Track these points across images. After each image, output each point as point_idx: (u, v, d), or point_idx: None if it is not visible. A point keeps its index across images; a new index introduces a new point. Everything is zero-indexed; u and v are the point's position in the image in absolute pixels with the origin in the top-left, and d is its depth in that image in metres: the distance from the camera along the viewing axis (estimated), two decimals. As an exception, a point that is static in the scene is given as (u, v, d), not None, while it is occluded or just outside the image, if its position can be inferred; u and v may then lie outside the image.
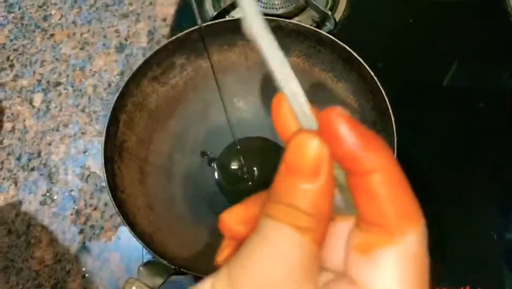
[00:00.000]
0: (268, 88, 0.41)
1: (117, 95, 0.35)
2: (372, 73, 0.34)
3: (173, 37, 0.37)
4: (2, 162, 0.47)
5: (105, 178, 0.33)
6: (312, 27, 0.36)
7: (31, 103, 0.50)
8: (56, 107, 0.50)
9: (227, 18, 0.48)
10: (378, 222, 0.13)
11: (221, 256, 0.17)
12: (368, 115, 0.36)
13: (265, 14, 0.47)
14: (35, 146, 0.48)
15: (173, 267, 0.30)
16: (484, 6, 0.50)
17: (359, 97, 0.37)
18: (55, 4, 0.55)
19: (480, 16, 0.50)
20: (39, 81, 0.51)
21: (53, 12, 0.55)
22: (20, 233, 0.44)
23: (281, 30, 0.37)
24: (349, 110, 0.40)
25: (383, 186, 0.13)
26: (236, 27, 0.38)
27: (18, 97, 0.50)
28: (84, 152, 0.47)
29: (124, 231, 0.43)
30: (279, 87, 0.14)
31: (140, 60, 0.37)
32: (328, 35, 0.35)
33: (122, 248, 0.42)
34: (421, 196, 0.44)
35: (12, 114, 0.49)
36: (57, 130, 0.48)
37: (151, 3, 0.54)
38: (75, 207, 0.44)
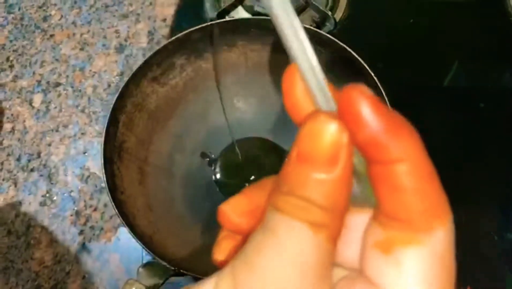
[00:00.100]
0: (268, 89, 0.41)
1: (116, 95, 0.35)
2: (372, 73, 0.34)
3: (173, 38, 0.37)
4: (2, 163, 0.47)
5: (105, 179, 0.32)
6: (312, 27, 0.36)
7: (30, 103, 0.50)
8: (55, 107, 0.50)
9: (227, 18, 0.48)
10: (402, 217, 0.12)
11: (218, 250, 0.16)
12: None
13: (265, 15, 0.47)
14: (34, 147, 0.47)
15: (173, 268, 0.30)
16: (484, 6, 0.50)
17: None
18: (55, 4, 0.55)
19: (480, 16, 0.50)
20: (39, 81, 0.51)
21: (53, 12, 0.55)
22: (19, 234, 0.44)
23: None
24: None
25: (409, 177, 0.11)
26: (236, 27, 0.38)
27: (18, 97, 0.50)
28: (84, 153, 0.47)
29: (124, 232, 0.43)
30: (293, 59, 0.12)
31: (140, 61, 0.37)
32: (328, 35, 0.35)
33: (121, 249, 0.42)
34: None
35: (12, 114, 0.49)
36: (57, 130, 0.48)
37: (151, 4, 0.54)
38: (75, 208, 0.44)
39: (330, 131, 0.12)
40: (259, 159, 0.41)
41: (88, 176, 0.46)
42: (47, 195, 0.45)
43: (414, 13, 0.50)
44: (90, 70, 0.51)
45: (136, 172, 0.37)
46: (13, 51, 0.53)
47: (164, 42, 0.37)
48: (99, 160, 0.33)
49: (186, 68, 0.39)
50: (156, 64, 0.38)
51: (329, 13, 0.47)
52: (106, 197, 0.44)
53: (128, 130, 0.36)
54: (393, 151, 0.11)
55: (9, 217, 0.45)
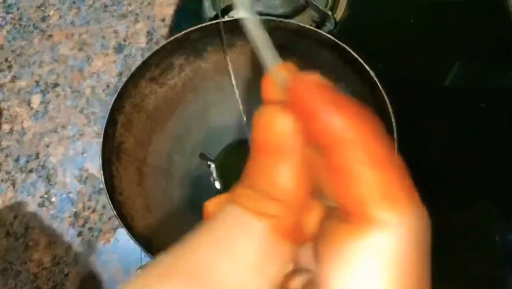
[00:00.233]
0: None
1: (115, 96, 0.35)
2: (372, 74, 0.33)
3: (172, 38, 0.37)
4: (0, 164, 0.47)
5: (103, 180, 0.32)
6: (312, 27, 0.36)
7: (29, 104, 0.50)
8: (54, 108, 0.49)
9: (226, 18, 0.48)
10: (352, 209, 0.11)
11: None
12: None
13: (265, 14, 0.47)
14: (33, 148, 0.47)
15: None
16: (485, 6, 0.50)
17: (359, 98, 0.37)
18: (53, 4, 0.55)
19: (481, 16, 0.50)
20: (37, 82, 0.51)
21: (51, 12, 0.55)
22: (18, 235, 0.44)
23: (281, 30, 0.37)
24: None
25: (359, 164, 0.11)
26: (235, 27, 0.38)
27: (16, 98, 0.50)
28: (82, 154, 0.47)
29: (123, 233, 0.42)
30: (265, 67, 0.14)
31: (138, 61, 0.36)
32: (328, 35, 0.35)
33: (120, 250, 0.42)
34: (422, 197, 0.43)
35: (10, 115, 0.49)
36: (55, 131, 0.48)
37: (149, 4, 0.53)
38: (73, 210, 0.44)
39: (278, 122, 0.12)
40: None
41: (87, 177, 0.45)
42: (46, 196, 0.45)
43: (414, 13, 0.50)
44: (89, 71, 0.51)
45: (134, 173, 0.37)
46: (12, 51, 0.53)
47: (163, 42, 0.37)
48: (98, 161, 0.33)
49: (185, 68, 0.39)
50: (154, 64, 0.37)
51: (329, 13, 0.47)
52: (104, 198, 0.44)
53: (126, 131, 0.36)
54: (341, 137, 0.11)
55: (8, 219, 0.44)
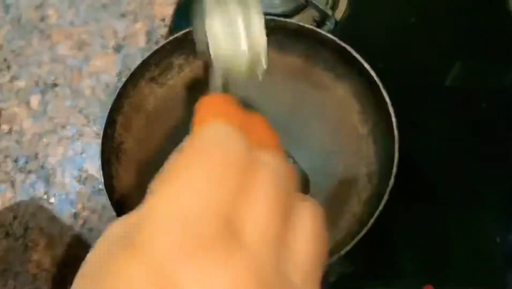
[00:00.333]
0: (268, 88, 0.41)
1: (114, 96, 0.34)
2: (373, 73, 0.33)
3: (171, 37, 0.36)
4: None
5: (103, 180, 0.32)
6: (312, 27, 0.36)
7: (28, 104, 0.50)
8: (53, 108, 0.49)
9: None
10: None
11: None
12: (369, 115, 0.36)
13: (265, 14, 0.47)
14: (32, 148, 0.47)
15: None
16: (486, 6, 0.50)
17: (359, 97, 0.37)
18: (53, 4, 0.55)
19: (482, 16, 0.50)
20: (36, 82, 0.51)
21: (50, 12, 0.54)
22: (17, 236, 0.43)
23: (281, 29, 0.37)
24: (350, 110, 0.39)
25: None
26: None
27: (15, 98, 0.50)
28: (82, 154, 0.47)
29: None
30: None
31: (138, 61, 0.36)
32: (329, 34, 0.35)
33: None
34: (423, 197, 0.43)
35: (9, 116, 0.49)
36: (55, 132, 0.48)
37: (149, 3, 0.53)
38: (73, 210, 0.44)
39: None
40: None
41: (86, 178, 0.45)
42: (45, 197, 0.45)
43: (414, 13, 0.49)
44: (88, 71, 0.51)
45: (134, 174, 0.36)
46: (11, 51, 0.53)
47: (162, 42, 0.36)
48: (97, 162, 0.33)
49: (184, 68, 0.39)
50: (154, 64, 0.37)
51: (330, 12, 0.47)
52: (104, 199, 0.44)
53: (126, 131, 0.36)
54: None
55: (7, 219, 0.44)
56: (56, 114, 0.49)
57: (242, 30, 0.23)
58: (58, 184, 0.45)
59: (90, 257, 0.14)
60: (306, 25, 0.36)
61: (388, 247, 0.40)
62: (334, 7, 0.49)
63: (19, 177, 0.46)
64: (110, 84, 0.50)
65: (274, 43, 0.38)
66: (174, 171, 0.13)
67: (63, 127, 0.48)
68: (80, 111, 0.49)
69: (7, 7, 0.56)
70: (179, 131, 0.40)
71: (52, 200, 0.45)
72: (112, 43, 0.52)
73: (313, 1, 0.47)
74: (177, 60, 0.38)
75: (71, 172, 0.46)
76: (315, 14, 0.48)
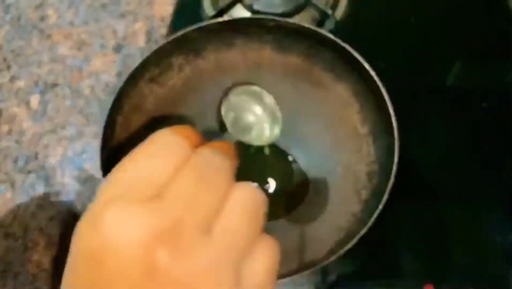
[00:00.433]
0: (268, 88, 0.41)
1: (113, 97, 0.34)
2: (373, 73, 0.33)
3: (171, 37, 0.36)
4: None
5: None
6: (312, 26, 0.35)
7: (28, 104, 0.50)
8: (53, 108, 0.49)
9: (225, 17, 0.47)
10: None
11: None
12: (369, 116, 0.36)
13: (264, 13, 0.47)
14: (32, 149, 0.47)
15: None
16: (487, 5, 0.50)
17: (359, 97, 0.37)
18: (52, 4, 0.55)
19: (483, 15, 0.49)
20: (36, 82, 0.51)
21: (50, 12, 0.54)
22: (17, 236, 0.43)
23: (281, 29, 0.36)
24: (349, 110, 0.39)
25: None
26: (234, 26, 0.37)
27: (15, 98, 0.50)
28: (82, 154, 0.47)
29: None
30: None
31: (138, 61, 0.36)
32: (329, 34, 0.35)
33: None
34: (423, 196, 0.43)
35: (8, 116, 0.49)
36: (54, 132, 0.48)
37: (149, 3, 0.53)
38: (73, 210, 0.44)
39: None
40: (259, 159, 0.41)
41: (86, 178, 0.45)
42: (45, 197, 0.45)
43: (414, 12, 0.49)
44: (88, 71, 0.51)
45: (134, 174, 0.36)
46: (10, 51, 0.53)
47: (162, 41, 0.36)
48: (97, 162, 0.33)
49: (184, 68, 0.39)
50: (154, 64, 0.37)
51: (330, 12, 0.47)
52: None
53: (126, 132, 0.36)
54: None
55: (7, 220, 0.44)
56: (56, 114, 0.49)
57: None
58: (58, 184, 0.45)
59: None
60: (306, 25, 0.35)
61: (389, 246, 0.40)
62: (334, 6, 0.49)
63: (19, 177, 0.46)
64: (110, 84, 0.50)
65: (274, 42, 0.38)
66: (126, 158, 0.18)
67: (63, 127, 0.48)
68: (80, 111, 0.49)
69: (6, 7, 0.55)
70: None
71: (52, 200, 0.45)
72: (111, 43, 0.52)
73: (313, 1, 0.47)
74: (177, 60, 0.38)
75: (71, 172, 0.46)
76: (315, 13, 0.48)
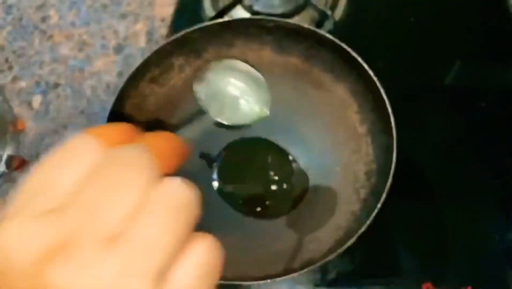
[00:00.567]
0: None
1: (114, 97, 0.35)
2: (372, 73, 0.33)
3: (172, 38, 0.37)
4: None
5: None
6: (311, 27, 0.36)
7: (29, 105, 0.50)
8: (55, 109, 0.49)
9: (226, 18, 0.48)
10: None
11: None
12: (367, 116, 0.36)
13: (264, 14, 0.47)
14: (34, 149, 0.47)
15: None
16: (485, 5, 0.50)
17: (358, 97, 0.37)
18: (53, 5, 0.55)
19: (482, 15, 0.50)
20: (38, 83, 0.51)
21: (51, 13, 0.55)
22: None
23: (281, 30, 0.37)
24: (349, 110, 0.39)
25: None
26: (234, 27, 0.38)
27: (17, 99, 0.50)
28: (83, 154, 0.47)
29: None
30: None
31: (139, 61, 0.37)
32: (328, 35, 0.35)
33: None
34: (422, 195, 0.43)
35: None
36: (56, 132, 0.48)
37: (149, 4, 0.53)
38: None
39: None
40: (258, 159, 0.41)
41: (88, 177, 0.46)
42: (47, 196, 0.45)
43: (414, 12, 0.50)
44: (89, 71, 0.51)
45: (135, 173, 0.37)
46: (12, 52, 0.53)
47: (163, 42, 0.37)
48: (98, 162, 0.33)
49: (184, 69, 0.39)
50: (154, 64, 0.37)
51: (329, 12, 0.47)
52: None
53: (127, 131, 0.36)
54: None
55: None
56: (57, 114, 0.49)
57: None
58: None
59: None
60: (305, 26, 0.36)
61: (387, 245, 0.40)
62: (333, 7, 0.49)
63: (21, 177, 0.46)
64: (111, 84, 0.50)
65: (273, 43, 0.38)
66: (35, 166, 0.17)
67: (65, 127, 0.48)
68: (81, 112, 0.49)
69: (8, 8, 0.56)
70: (180, 130, 0.41)
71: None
72: (112, 43, 0.52)
73: (312, 2, 0.47)
74: (177, 61, 0.39)
75: (72, 172, 0.46)
76: (314, 14, 0.48)
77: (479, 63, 0.48)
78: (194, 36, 0.37)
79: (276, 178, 0.40)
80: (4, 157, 0.33)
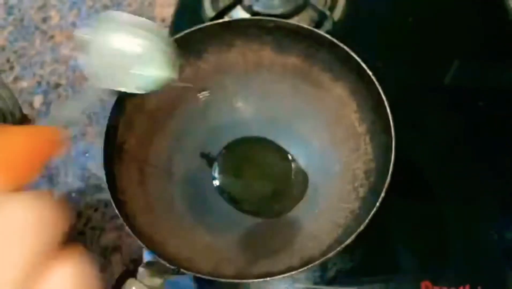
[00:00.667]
0: (267, 88, 0.41)
1: (116, 97, 0.35)
2: (370, 73, 0.34)
3: (172, 38, 0.37)
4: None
5: (105, 179, 0.33)
6: (310, 27, 0.36)
7: (31, 105, 0.50)
8: (56, 109, 0.50)
9: (226, 18, 0.48)
10: None
11: None
12: (366, 115, 0.36)
13: (264, 14, 0.47)
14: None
15: (173, 267, 0.30)
16: (484, 5, 0.50)
17: (357, 96, 0.37)
18: (55, 5, 0.55)
19: (480, 15, 0.50)
20: (39, 83, 0.51)
21: (52, 13, 0.55)
22: (21, 234, 0.44)
23: (280, 30, 0.37)
24: (348, 109, 0.39)
25: None
26: (234, 27, 0.38)
27: (18, 99, 0.50)
28: (85, 154, 0.47)
29: (125, 232, 0.43)
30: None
31: (139, 61, 0.37)
32: (327, 35, 0.35)
33: (123, 249, 0.42)
34: (421, 194, 0.43)
35: (12, 116, 0.50)
36: (57, 132, 0.48)
37: (150, 4, 0.54)
38: (76, 209, 0.45)
39: None
40: (258, 158, 0.42)
41: (89, 177, 0.46)
42: (48, 196, 0.46)
43: (413, 12, 0.50)
44: (90, 71, 0.51)
45: (136, 173, 0.37)
46: (14, 52, 0.53)
47: (163, 43, 0.37)
48: (100, 161, 0.33)
49: (184, 69, 0.39)
50: (155, 65, 0.38)
51: (328, 12, 0.47)
52: (106, 198, 0.44)
53: (128, 131, 0.37)
54: None
55: (11, 218, 0.45)
56: (58, 114, 0.49)
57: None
58: (61, 183, 0.46)
59: None
60: (305, 26, 0.36)
61: (386, 243, 0.40)
62: (332, 7, 0.50)
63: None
64: (112, 85, 0.50)
65: (273, 43, 0.39)
66: None
67: (65, 127, 0.49)
68: (82, 112, 0.49)
69: (9, 9, 0.56)
70: (180, 130, 0.41)
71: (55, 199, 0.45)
72: (113, 44, 0.52)
73: (312, 2, 0.47)
74: (177, 61, 0.39)
75: (74, 172, 0.46)
76: (314, 14, 0.49)
77: (477, 63, 0.48)
78: (194, 36, 0.37)
79: (276, 177, 0.41)
80: None
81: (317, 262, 0.30)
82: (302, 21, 0.48)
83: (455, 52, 0.48)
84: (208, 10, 0.51)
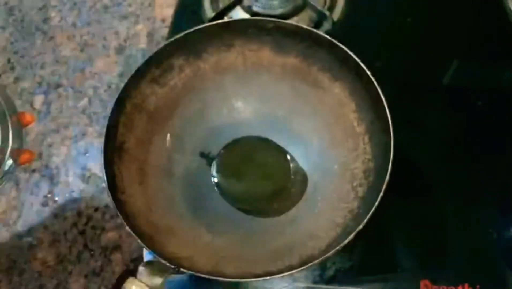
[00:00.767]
0: (267, 88, 0.42)
1: (116, 97, 0.35)
2: (369, 73, 0.34)
3: (172, 39, 0.37)
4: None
5: (106, 179, 0.33)
6: (309, 28, 0.36)
7: (31, 105, 0.50)
8: (56, 109, 0.50)
9: (225, 19, 0.48)
10: None
11: None
12: (365, 115, 0.37)
13: (263, 15, 0.48)
14: (36, 148, 0.48)
15: (173, 266, 0.30)
16: (483, 5, 0.50)
17: (356, 96, 0.37)
18: (55, 6, 0.56)
19: (479, 15, 0.50)
20: (40, 83, 0.51)
21: (53, 14, 0.55)
22: (22, 234, 0.44)
23: (279, 30, 0.37)
24: (346, 109, 0.39)
25: None
26: (234, 27, 0.38)
27: (19, 99, 0.51)
28: (85, 154, 0.47)
29: (125, 231, 0.43)
30: None
31: (139, 62, 0.37)
32: (326, 35, 0.35)
33: (123, 248, 0.43)
34: (420, 193, 0.44)
35: (13, 116, 0.50)
36: (58, 132, 0.49)
37: (150, 5, 0.54)
38: (77, 208, 0.45)
39: None
40: (258, 158, 0.42)
41: (89, 177, 0.46)
42: (49, 195, 0.46)
43: (412, 12, 0.50)
44: (91, 72, 0.51)
45: (136, 173, 0.37)
46: (14, 52, 0.53)
47: (163, 43, 0.37)
48: (100, 161, 0.33)
49: (184, 69, 0.40)
50: (155, 65, 0.38)
51: (327, 13, 0.47)
52: (107, 197, 0.44)
53: (128, 131, 0.37)
54: None
55: (12, 218, 0.45)
56: (59, 114, 0.50)
57: None
58: (62, 183, 0.46)
59: None
60: (304, 26, 0.36)
61: (385, 242, 0.40)
62: (331, 7, 0.50)
63: (23, 176, 0.47)
64: (112, 85, 0.50)
65: (272, 43, 0.39)
66: None
67: (66, 127, 0.49)
68: (83, 111, 0.49)
69: (10, 9, 0.56)
70: (180, 130, 0.41)
71: (56, 198, 0.46)
72: (114, 44, 0.52)
73: (311, 2, 0.48)
74: (178, 61, 0.39)
75: (74, 171, 0.46)
76: (313, 15, 0.49)
77: (477, 63, 0.48)
78: (194, 36, 0.37)
79: (275, 176, 0.41)
80: (8, 150, 0.34)
81: (316, 261, 0.30)
82: (301, 21, 0.48)
83: (455, 52, 0.48)
84: (208, 11, 0.51)
